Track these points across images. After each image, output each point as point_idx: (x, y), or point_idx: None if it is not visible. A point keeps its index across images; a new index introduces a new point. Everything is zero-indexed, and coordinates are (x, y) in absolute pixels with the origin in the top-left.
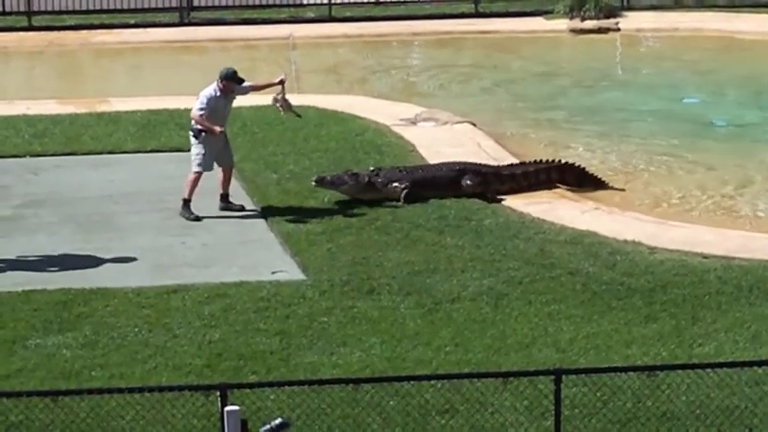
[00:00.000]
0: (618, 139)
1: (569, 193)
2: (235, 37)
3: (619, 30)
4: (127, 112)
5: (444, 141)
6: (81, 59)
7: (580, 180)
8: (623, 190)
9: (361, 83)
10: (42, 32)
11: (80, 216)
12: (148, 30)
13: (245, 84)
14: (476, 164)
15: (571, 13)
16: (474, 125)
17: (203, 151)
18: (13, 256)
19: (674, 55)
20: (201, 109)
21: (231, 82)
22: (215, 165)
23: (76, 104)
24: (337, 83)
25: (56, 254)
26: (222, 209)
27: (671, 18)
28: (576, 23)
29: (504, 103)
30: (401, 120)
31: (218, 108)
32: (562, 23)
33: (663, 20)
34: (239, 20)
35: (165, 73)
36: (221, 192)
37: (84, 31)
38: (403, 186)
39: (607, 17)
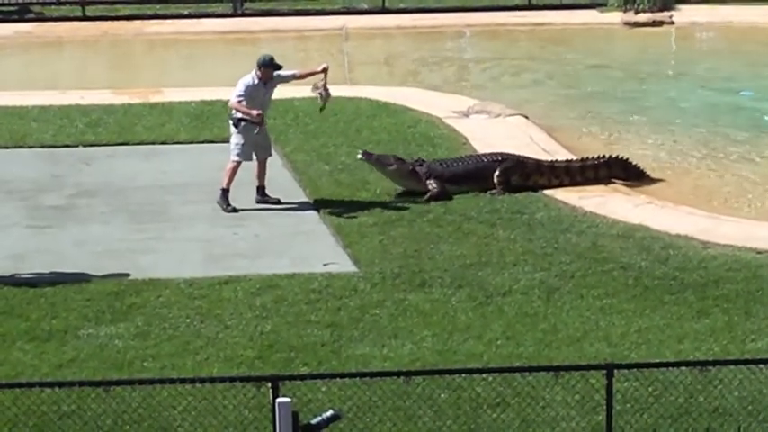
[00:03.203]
0: (671, 133)
1: (622, 187)
2: (288, 28)
3: (673, 23)
4: (180, 103)
5: (497, 134)
6: (135, 50)
7: (627, 173)
8: (662, 180)
9: (414, 75)
10: (96, 22)
11: (133, 206)
12: (202, 20)
13: (287, 72)
14: (517, 156)
15: (625, 5)
16: (526, 118)
17: (242, 141)
18: (65, 246)
19: (729, 48)
20: (239, 96)
21: (269, 69)
22: (253, 156)
23: (130, 94)
24: (390, 74)
25: (108, 244)
26: (259, 201)
27: (725, 11)
28: (630, 16)
29: (557, 96)
30: (453, 112)
31: (256, 96)
32: (616, 16)
33: (717, 13)
34: (292, 11)
35: (219, 64)
36: (257, 184)
37: (138, 22)
38: (438, 186)
39: (661, 10)
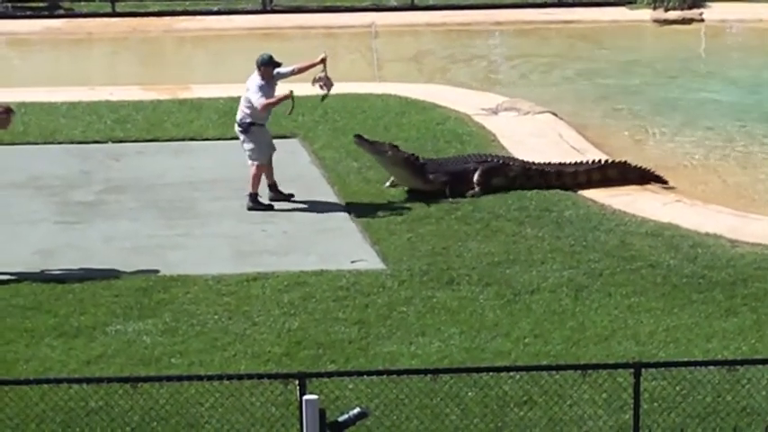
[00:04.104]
0: (700, 131)
1: (651, 186)
2: (317, 24)
3: (703, 20)
4: (209, 99)
5: (526, 131)
6: (164, 46)
7: (627, 176)
8: (667, 183)
9: (443, 72)
10: (126, 19)
11: (161, 202)
12: (231, 17)
13: (286, 68)
14: (504, 157)
15: (654, 3)
16: (555, 115)
17: (256, 144)
18: (94, 242)
19: (759, 46)
20: (261, 95)
21: (269, 67)
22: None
23: (159, 91)
24: (419, 72)
25: (137, 240)
26: (273, 199)
27: (756, 9)
28: (660, 13)
29: (586, 94)
30: (483, 109)
31: (265, 95)
32: (645, 13)
33: (748, 11)
34: (321, 7)
35: (247, 60)
36: (268, 182)
37: (168, 18)
38: (444, 180)
39: (691, 7)
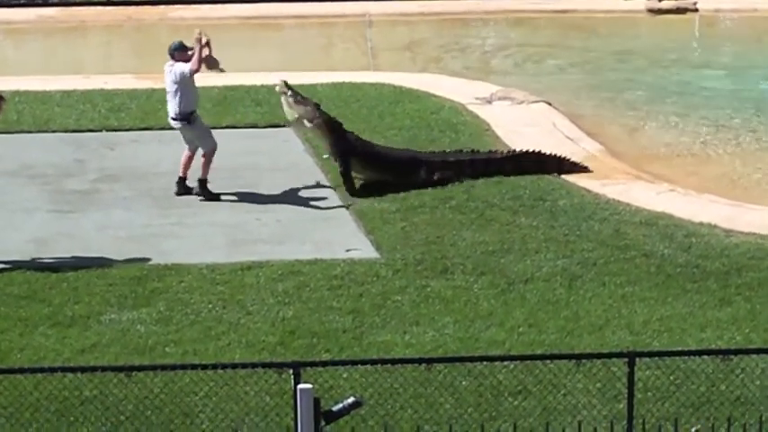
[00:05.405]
0: (694, 121)
1: (645, 175)
2: (311, 14)
3: (697, 10)
4: (202, 88)
5: (520, 121)
6: (158, 34)
7: (543, 167)
8: (589, 170)
9: (437, 61)
10: (120, 7)
11: (155, 191)
12: (226, 5)
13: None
14: (417, 152)
15: None
16: (550, 104)
17: (202, 130)
18: (88, 231)
19: (753, 37)
20: (191, 67)
21: (183, 52)
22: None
23: (153, 79)
24: (413, 61)
25: (131, 229)
26: (177, 193)
27: None
28: (654, 3)
29: (580, 83)
30: (477, 98)
31: (191, 82)
32: (639, 3)
33: (742, 1)
34: None
35: (242, 49)
36: (182, 174)
37: (162, 6)
38: (343, 166)
39: None
